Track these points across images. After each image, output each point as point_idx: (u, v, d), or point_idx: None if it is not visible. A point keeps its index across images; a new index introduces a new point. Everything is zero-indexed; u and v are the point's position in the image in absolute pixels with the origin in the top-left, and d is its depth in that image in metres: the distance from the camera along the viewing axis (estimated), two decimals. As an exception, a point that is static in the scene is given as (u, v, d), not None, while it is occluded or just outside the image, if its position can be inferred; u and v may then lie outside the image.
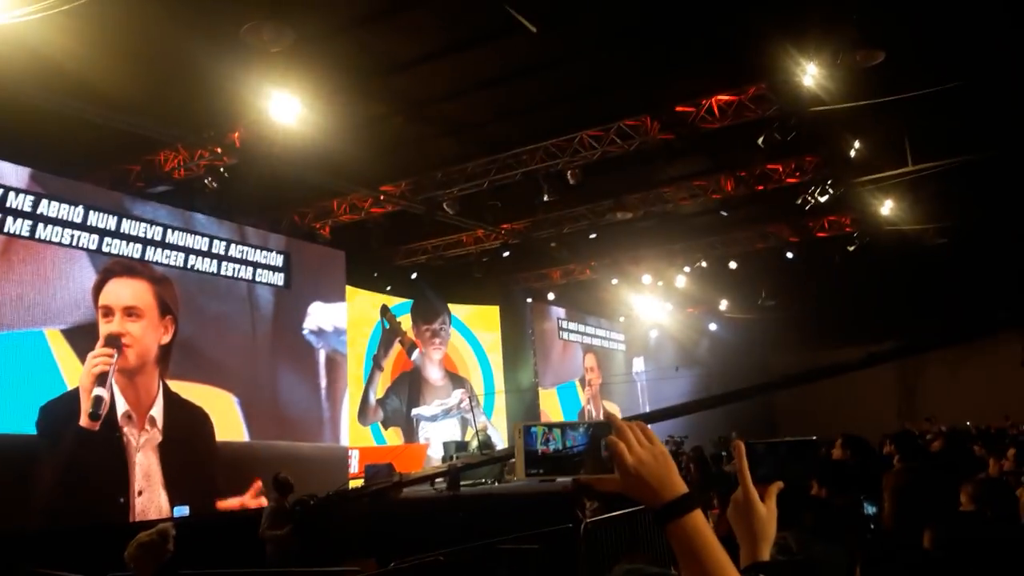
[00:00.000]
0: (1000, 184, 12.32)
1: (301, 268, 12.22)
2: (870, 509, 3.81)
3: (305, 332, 12.14)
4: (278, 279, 11.81)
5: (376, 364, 14.73)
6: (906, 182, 12.05)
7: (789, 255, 15.62)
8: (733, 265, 16.34)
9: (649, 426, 1.22)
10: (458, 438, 15.35)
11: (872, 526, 3.75)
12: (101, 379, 9.09)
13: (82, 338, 9.09)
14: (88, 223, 9.42)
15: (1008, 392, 17.24)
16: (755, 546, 1.33)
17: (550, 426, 1.19)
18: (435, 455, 14.96)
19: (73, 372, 8.95)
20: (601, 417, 1.22)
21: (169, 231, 10.36)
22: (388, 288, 15.24)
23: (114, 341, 9.35)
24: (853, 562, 2.72)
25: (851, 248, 14.78)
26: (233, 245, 11.20)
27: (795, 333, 18.88)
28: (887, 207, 13.09)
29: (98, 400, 8.96)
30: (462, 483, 11.04)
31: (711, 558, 1.12)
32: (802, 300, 17.86)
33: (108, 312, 9.43)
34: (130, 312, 9.67)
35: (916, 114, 9.88)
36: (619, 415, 1.24)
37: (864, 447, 6.09)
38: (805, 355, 18.22)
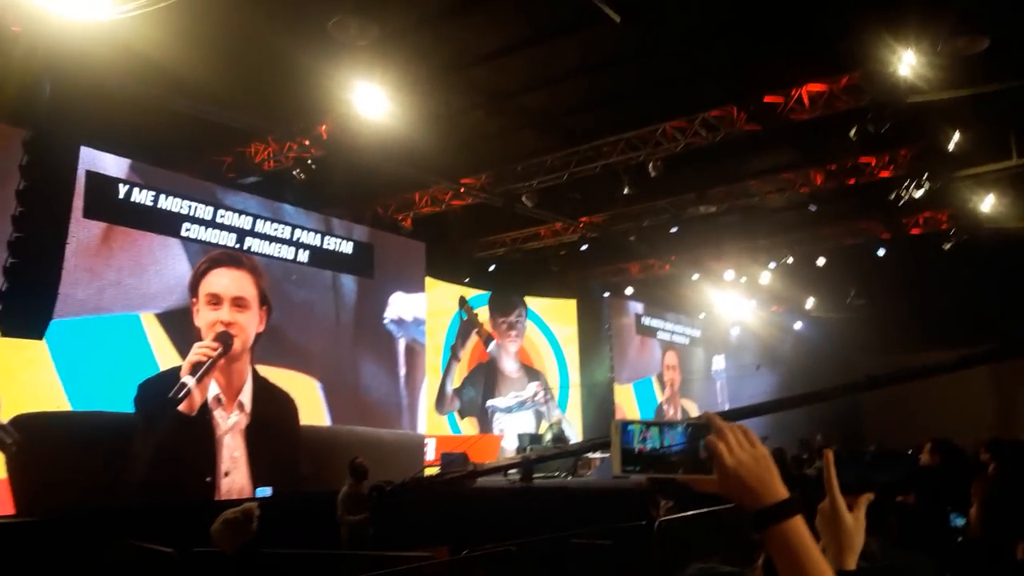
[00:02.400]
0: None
1: (383, 259, 12.46)
2: (957, 521, 3.64)
3: (386, 321, 12.39)
4: (361, 269, 12.08)
5: (453, 354, 14.89)
6: (1009, 176, 11.43)
7: (881, 252, 15.00)
8: (821, 262, 15.79)
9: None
10: (532, 430, 15.39)
11: (960, 537, 3.58)
12: (195, 368, 9.46)
13: (175, 322, 9.49)
14: (183, 212, 9.83)
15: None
16: (840, 556, 1.33)
17: (648, 424, 1.18)
18: (509, 447, 15.04)
19: (165, 354, 9.36)
20: (679, 415, 1.20)
21: (259, 221, 10.72)
22: (467, 280, 15.38)
23: (224, 337, 9.73)
24: (940, 572, 2.60)
25: (947, 246, 14.10)
26: (320, 235, 11.52)
27: (885, 334, 18.13)
28: (988, 203, 12.42)
29: (182, 386, 9.32)
30: (535, 475, 11.06)
31: (810, 565, 1.10)
32: (893, 300, 17.14)
33: (215, 301, 9.83)
34: (237, 303, 10.07)
35: (1022, 104, 9.34)
36: (695, 412, 1.22)
37: (954, 453, 5.81)
38: (895, 357, 17.47)
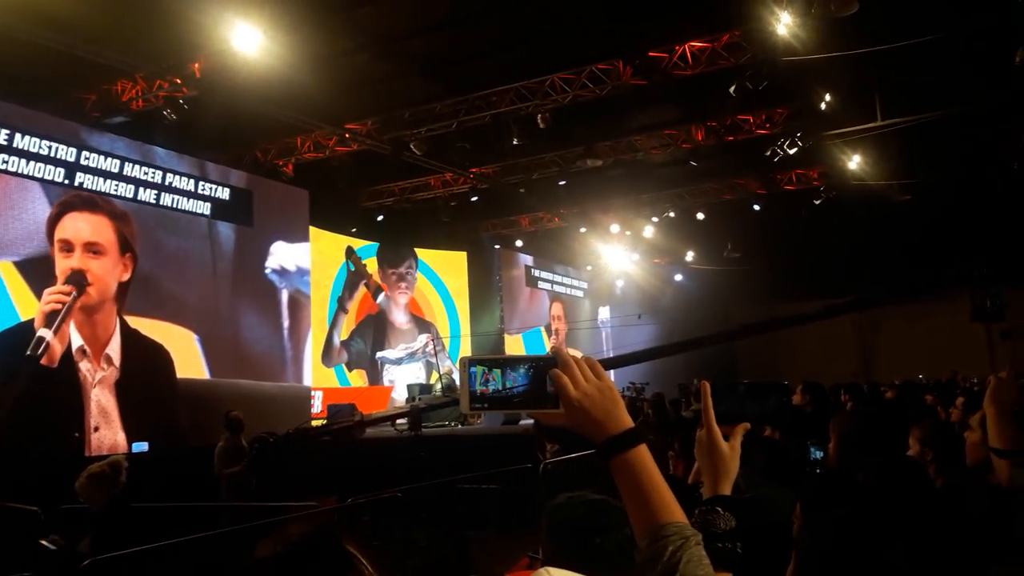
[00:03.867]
0: (966, 141, 12.43)
1: (263, 206, 11.98)
2: (817, 454, 3.89)
3: (267, 271, 11.98)
4: (239, 216, 11.58)
5: (341, 306, 14.64)
6: (874, 137, 12.11)
7: (756, 207, 15.69)
8: (701, 216, 16.39)
9: (611, 372, 1.21)
10: (423, 381, 15.40)
11: (818, 470, 3.82)
12: (50, 318, 8.83)
13: (36, 271, 8.85)
14: (42, 153, 9.11)
15: (959, 347, 17.68)
16: (716, 482, 1.38)
17: (491, 365, 1.17)
18: (399, 397, 15.01)
19: (27, 305, 8.73)
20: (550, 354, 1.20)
21: (127, 164, 10.07)
22: (354, 230, 15.06)
23: (76, 278, 9.09)
24: (796, 501, 2.77)
25: (817, 202, 14.89)
26: (193, 180, 10.94)
27: (759, 285, 19.11)
28: (855, 162, 13.17)
29: (39, 341, 8.68)
30: (425, 425, 11.08)
31: (655, 492, 1.12)
32: (767, 252, 18.03)
33: (67, 247, 9.18)
34: (91, 248, 9.43)
35: (887, 68, 9.87)
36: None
37: (822, 395, 6.24)
38: (768, 307, 18.47)
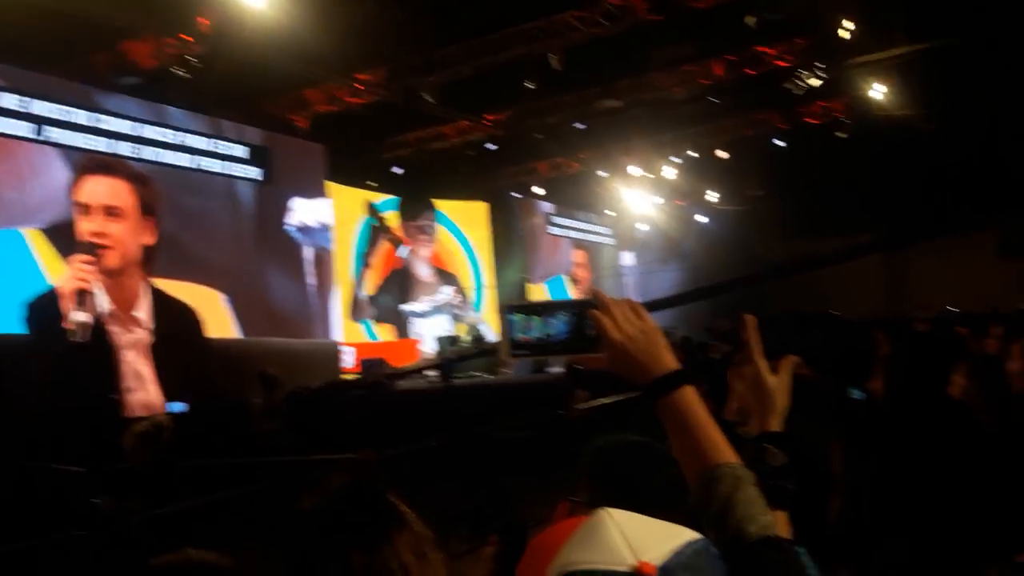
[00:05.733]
0: (994, 66, 12.02)
1: (280, 162, 11.92)
2: (856, 394, 3.83)
3: (288, 228, 11.99)
4: (257, 173, 11.53)
5: (364, 261, 14.66)
6: (900, 65, 11.76)
7: (779, 143, 15.37)
8: (723, 154, 16.08)
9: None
10: (449, 334, 15.46)
11: (858, 411, 3.78)
12: (82, 297, 8.83)
13: (63, 236, 8.92)
14: (58, 118, 9.09)
15: (987, 282, 17.34)
16: (764, 418, 1.34)
17: (530, 312, 1.16)
18: (428, 350, 15.10)
19: (57, 271, 8.82)
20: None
21: (143, 126, 10.04)
22: (372, 184, 14.98)
23: (89, 247, 9.09)
24: (835, 441, 2.74)
25: (842, 135, 14.56)
26: (209, 139, 10.89)
27: (785, 223, 18.82)
28: (879, 91, 12.81)
29: (83, 326, 8.75)
30: (455, 376, 11.16)
31: (705, 434, 1.11)
32: (792, 190, 17.73)
33: (86, 210, 9.22)
34: (110, 211, 9.45)
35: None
36: None
37: (853, 331, 6.17)
38: (795, 245, 18.23)
